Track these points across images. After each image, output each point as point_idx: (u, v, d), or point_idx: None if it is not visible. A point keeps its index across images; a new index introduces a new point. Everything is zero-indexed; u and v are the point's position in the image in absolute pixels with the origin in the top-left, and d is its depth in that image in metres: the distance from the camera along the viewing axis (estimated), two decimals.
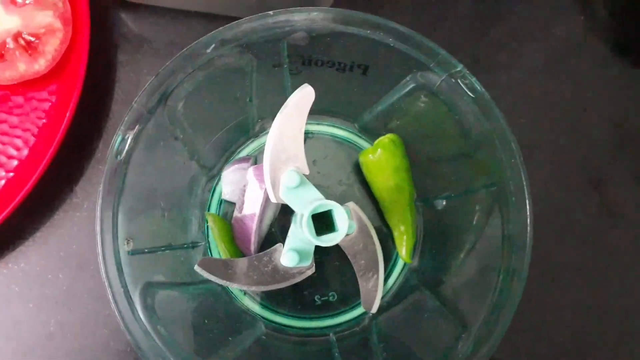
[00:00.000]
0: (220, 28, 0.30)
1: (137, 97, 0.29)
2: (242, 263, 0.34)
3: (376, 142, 0.37)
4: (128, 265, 0.29)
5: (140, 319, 0.28)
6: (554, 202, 0.41)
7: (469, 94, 0.31)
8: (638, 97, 0.44)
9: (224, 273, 0.33)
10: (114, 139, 0.29)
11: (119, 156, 0.29)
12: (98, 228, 0.28)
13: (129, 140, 0.29)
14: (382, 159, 0.37)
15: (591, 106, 0.44)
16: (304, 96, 0.30)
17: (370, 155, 0.37)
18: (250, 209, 0.35)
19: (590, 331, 0.40)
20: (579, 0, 0.45)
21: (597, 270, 0.41)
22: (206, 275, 0.32)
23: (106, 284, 0.28)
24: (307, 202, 0.31)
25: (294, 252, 0.33)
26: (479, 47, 0.44)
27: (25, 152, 0.39)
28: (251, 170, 0.35)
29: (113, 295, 0.28)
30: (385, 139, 0.37)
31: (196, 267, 0.32)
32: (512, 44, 0.44)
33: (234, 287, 0.37)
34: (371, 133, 0.39)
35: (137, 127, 0.29)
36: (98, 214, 0.28)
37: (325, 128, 0.40)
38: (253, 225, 0.35)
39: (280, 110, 0.30)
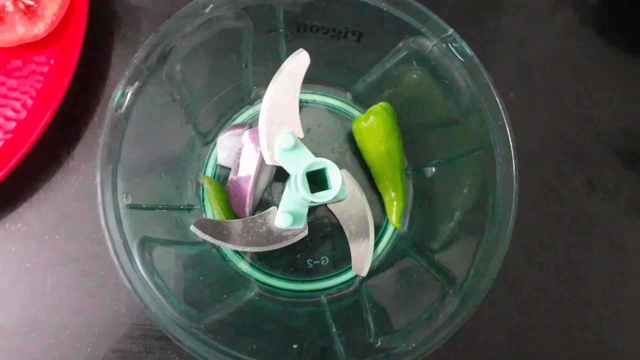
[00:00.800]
0: None
1: (137, 53, 0.30)
2: (236, 224, 0.35)
3: (369, 110, 0.38)
4: (127, 218, 0.30)
5: (138, 269, 0.29)
6: (538, 174, 0.43)
7: (459, 58, 0.32)
8: (626, 77, 0.46)
9: (219, 233, 0.34)
10: (114, 93, 0.30)
11: (118, 110, 0.30)
12: (99, 179, 0.29)
13: (128, 95, 0.30)
14: (374, 125, 0.38)
15: (576, 82, 0.45)
16: (299, 61, 0.31)
17: (362, 122, 0.38)
18: (246, 171, 0.36)
19: (570, 296, 0.41)
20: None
21: (577, 239, 0.42)
22: (201, 235, 0.33)
23: (106, 234, 0.28)
24: (301, 164, 0.32)
25: (288, 214, 0.34)
26: (460, 16, 0.45)
27: (24, 114, 0.40)
28: (247, 134, 0.35)
29: (113, 245, 0.28)
30: (378, 106, 0.38)
31: (192, 227, 0.33)
32: (495, 13, 0.45)
33: (229, 248, 0.38)
34: (364, 103, 0.40)
35: (136, 83, 0.30)
36: (98, 165, 0.29)
37: (319, 97, 0.41)
38: (248, 187, 0.36)
39: (275, 75, 0.31)
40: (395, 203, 0.39)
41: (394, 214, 0.39)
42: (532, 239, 0.41)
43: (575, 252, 0.42)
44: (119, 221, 0.29)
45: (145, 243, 0.31)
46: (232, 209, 0.38)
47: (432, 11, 0.32)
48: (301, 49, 0.32)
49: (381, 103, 0.38)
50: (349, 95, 0.41)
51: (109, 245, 0.29)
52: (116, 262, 0.28)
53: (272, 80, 0.32)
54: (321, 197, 0.31)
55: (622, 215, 0.43)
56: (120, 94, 0.30)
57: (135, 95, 0.30)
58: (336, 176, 0.31)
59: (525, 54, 0.45)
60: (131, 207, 0.31)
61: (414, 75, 0.36)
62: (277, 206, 0.35)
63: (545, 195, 0.42)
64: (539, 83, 0.45)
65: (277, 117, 0.32)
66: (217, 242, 0.34)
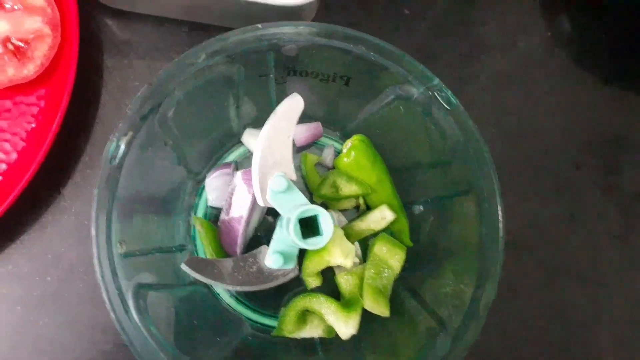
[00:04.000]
0: (211, 39, 0.31)
1: (130, 105, 0.30)
2: (227, 263, 0.35)
3: (348, 146, 0.39)
4: (121, 267, 0.30)
5: (134, 320, 0.29)
6: (523, 208, 0.44)
7: (445, 106, 0.33)
8: (600, 108, 0.47)
9: (210, 272, 0.34)
10: (107, 144, 0.30)
11: (113, 161, 0.30)
12: (94, 232, 0.29)
13: (122, 147, 0.30)
14: (358, 159, 0.38)
15: (553, 116, 0.46)
16: (293, 105, 0.32)
17: (345, 158, 0.39)
18: (238, 212, 0.36)
19: (555, 328, 0.43)
20: (545, 15, 0.48)
21: (561, 269, 0.44)
22: (192, 274, 0.33)
23: (101, 286, 0.29)
24: (293, 206, 0.33)
25: (279, 255, 0.35)
26: (447, 58, 0.46)
27: (14, 156, 0.40)
28: (239, 175, 0.36)
29: (108, 297, 0.29)
30: (355, 140, 0.38)
31: (183, 266, 0.33)
32: (480, 56, 0.47)
33: (219, 287, 0.38)
34: None
35: (129, 133, 0.30)
36: (93, 218, 0.29)
37: None
38: (240, 228, 0.37)
39: (270, 117, 0.32)
40: (402, 223, 0.39)
41: (402, 234, 0.39)
42: (517, 277, 0.42)
43: (557, 285, 0.43)
44: (114, 272, 0.29)
45: (139, 290, 0.31)
46: (223, 247, 0.38)
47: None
48: (295, 94, 0.33)
49: (355, 136, 0.39)
50: (337, 134, 0.42)
51: (105, 297, 0.29)
52: (112, 315, 0.29)
53: (267, 122, 0.33)
54: (313, 243, 0.32)
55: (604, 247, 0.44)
56: (115, 145, 0.30)
57: (128, 144, 0.31)
58: (328, 223, 0.31)
59: (504, 92, 0.46)
60: (125, 255, 0.31)
61: (401, 115, 0.37)
62: (267, 244, 0.36)
63: (529, 229, 0.43)
64: (517, 119, 0.46)
65: (271, 159, 0.33)
66: (208, 281, 0.34)
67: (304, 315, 0.37)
